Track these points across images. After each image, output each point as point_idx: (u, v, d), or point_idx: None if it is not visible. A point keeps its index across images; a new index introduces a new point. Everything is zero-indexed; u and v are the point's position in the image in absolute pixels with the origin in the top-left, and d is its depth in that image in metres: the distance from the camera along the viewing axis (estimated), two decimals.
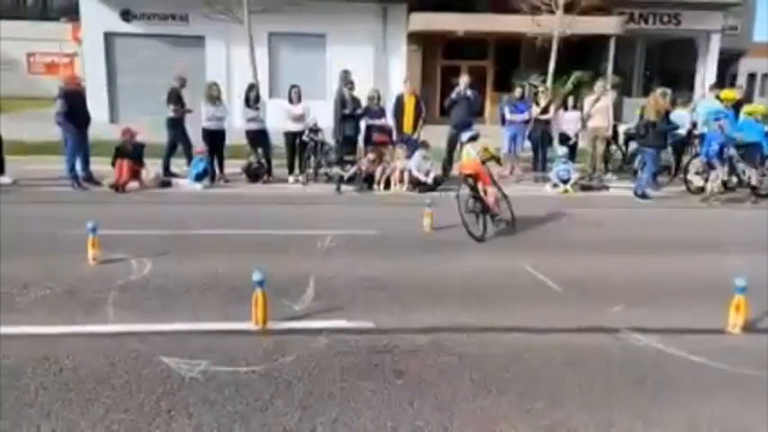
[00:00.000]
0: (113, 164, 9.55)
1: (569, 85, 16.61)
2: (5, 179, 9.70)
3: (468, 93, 10.69)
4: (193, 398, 3.33)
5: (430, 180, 10.00)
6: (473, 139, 7.53)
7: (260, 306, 4.20)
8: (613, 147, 12.15)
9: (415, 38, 19.27)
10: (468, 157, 7.31)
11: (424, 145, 10.34)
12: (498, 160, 7.87)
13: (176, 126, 10.50)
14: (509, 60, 20.20)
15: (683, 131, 10.90)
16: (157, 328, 4.22)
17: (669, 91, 10.03)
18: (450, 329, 4.33)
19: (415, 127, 10.69)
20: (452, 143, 10.61)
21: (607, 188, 10.70)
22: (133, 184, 9.53)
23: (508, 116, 11.29)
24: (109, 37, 18.46)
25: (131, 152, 9.61)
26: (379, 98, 10.89)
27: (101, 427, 3.04)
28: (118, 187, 9.35)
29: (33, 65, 31.79)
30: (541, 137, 11.37)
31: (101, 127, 10.39)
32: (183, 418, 3.13)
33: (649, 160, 9.89)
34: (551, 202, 9.56)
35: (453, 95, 10.69)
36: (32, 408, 3.19)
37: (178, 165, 10.63)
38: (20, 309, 4.56)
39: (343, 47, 17.90)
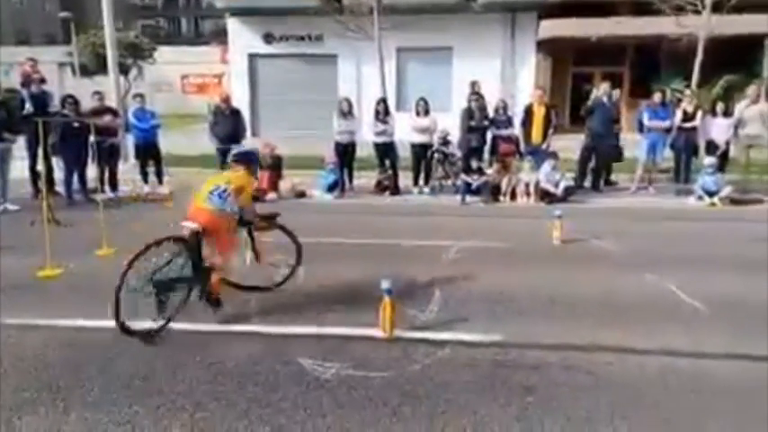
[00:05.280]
0: None
1: (718, 90, 15.26)
2: (163, 189, 10.81)
3: (605, 99, 10.34)
4: (327, 399, 3.48)
5: (560, 191, 9.69)
6: (242, 159, 4.98)
7: (387, 314, 4.30)
8: None
9: (545, 46, 18.76)
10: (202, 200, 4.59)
11: (554, 155, 10.04)
12: (268, 219, 5.26)
13: None
14: (647, 65, 18.99)
15: None
16: (294, 331, 4.48)
17: None
18: (583, 348, 4.15)
19: (544, 137, 10.41)
20: (587, 153, 10.46)
21: (761, 201, 9.67)
22: (272, 195, 10.19)
23: (647, 123, 10.60)
24: (252, 58, 19.96)
25: (271, 164, 10.30)
26: (505, 108, 10.82)
27: (245, 419, 3.29)
28: (258, 197, 10.04)
29: (186, 85, 35.22)
30: (685, 145, 10.56)
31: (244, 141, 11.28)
32: (317, 417, 3.29)
33: None
34: (695, 215, 8.86)
35: (590, 103, 10.38)
36: (187, 398, 3.52)
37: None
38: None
39: (469, 59, 17.87)
